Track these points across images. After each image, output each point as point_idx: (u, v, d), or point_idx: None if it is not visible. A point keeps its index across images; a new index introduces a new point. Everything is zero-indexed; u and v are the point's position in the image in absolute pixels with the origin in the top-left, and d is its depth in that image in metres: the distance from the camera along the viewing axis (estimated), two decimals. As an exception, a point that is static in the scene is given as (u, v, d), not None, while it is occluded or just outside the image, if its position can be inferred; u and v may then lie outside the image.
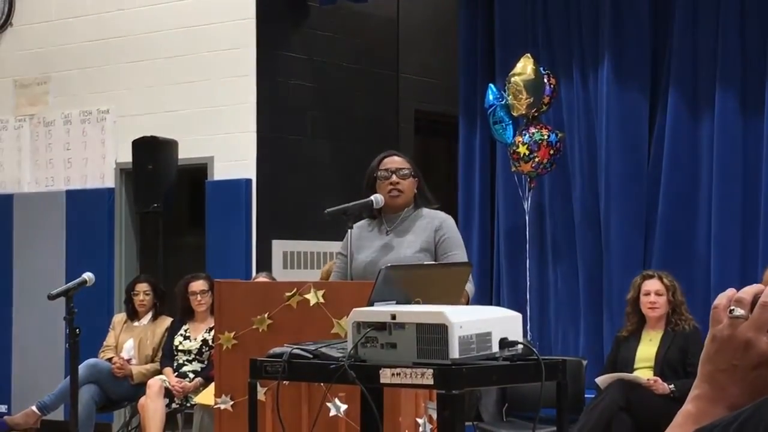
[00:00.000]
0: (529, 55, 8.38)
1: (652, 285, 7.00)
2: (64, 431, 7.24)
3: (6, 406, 9.89)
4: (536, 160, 8.28)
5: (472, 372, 3.26)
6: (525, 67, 8.27)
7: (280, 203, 9.20)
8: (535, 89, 8.25)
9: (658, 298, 6.97)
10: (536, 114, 8.38)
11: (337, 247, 5.44)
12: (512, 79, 8.29)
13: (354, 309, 3.41)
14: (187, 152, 9.16)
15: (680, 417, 1.38)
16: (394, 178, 5.22)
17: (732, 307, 1.36)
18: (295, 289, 4.77)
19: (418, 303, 3.63)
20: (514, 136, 8.39)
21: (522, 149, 8.28)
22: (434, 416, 4.20)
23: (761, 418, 1.27)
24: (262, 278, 7.74)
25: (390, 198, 5.20)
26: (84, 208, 9.80)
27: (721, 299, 1.38)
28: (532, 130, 8.31)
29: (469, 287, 4.85)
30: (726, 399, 1.36)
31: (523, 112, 8.31)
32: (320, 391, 4.44)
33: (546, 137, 8.29)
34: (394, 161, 5.29)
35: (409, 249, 5.14)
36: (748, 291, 1.37)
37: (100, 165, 9.84)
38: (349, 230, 5.10)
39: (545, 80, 8.33)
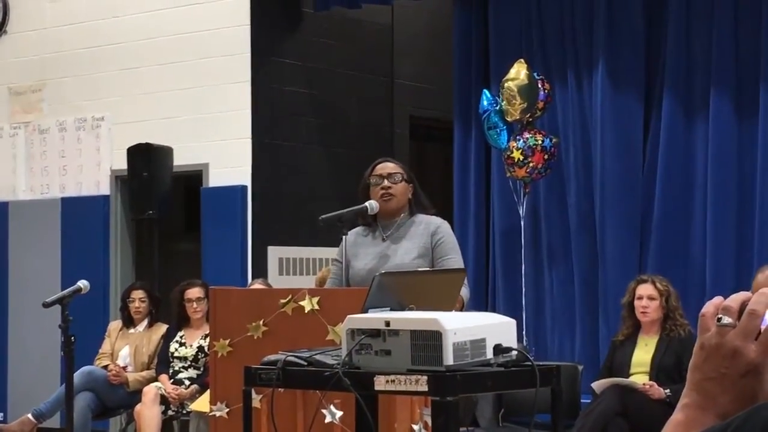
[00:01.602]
0: (522, 60, 8.37)
1: (645, 290, 7.00)
2: (60, 439, 7.24)
3: (2, 414, 9.88)
4: (531, 165, 8.28)
5: (466, 378, 3.26)
6: (518, 72, 8.27)
7: (276, 209, 9.20)
8: (528, 94, 8.25)
9: (650, 303, 6.96)
10: (530, 119, 8.38)
11: (333, 254, 5.45)
12: (506, 85, 8.28)
13: (348, 316, 3.42)
14: (182, 159, 9.16)
15: (670, 426, 1.38)
16: (385, 182, 5.25)
17: (720, 316, 1.37)
18: (290, 296, 4.76)
19: (412, 309, 3.63)
20: (509, 141, 8.39)
21: (516, 154, 8.28)
22: (430, 422, 4.21)
23: (753, 427, 1.27)
24: (258, 285, 7.74)
25: (383, 202, 5.22)
26: (79, 216, 9.79)
27: (709, 307, 1.38)
28: (527, 135, 8.31)
29: (464, 292, 4.85)
30: (715, 407, 1.36)
31: (517, 118, 8.31)
32: (315, 397, 4.44)
33: (540, 142, 8.29)
34: (386, 167, 5.31)
35: (407, 256, 5.15)
36: (735, 299, 1.37)
37: (95, 172, 9.83)
38: (344, 237, 5.11)
39: (539, 85, 8.33)
